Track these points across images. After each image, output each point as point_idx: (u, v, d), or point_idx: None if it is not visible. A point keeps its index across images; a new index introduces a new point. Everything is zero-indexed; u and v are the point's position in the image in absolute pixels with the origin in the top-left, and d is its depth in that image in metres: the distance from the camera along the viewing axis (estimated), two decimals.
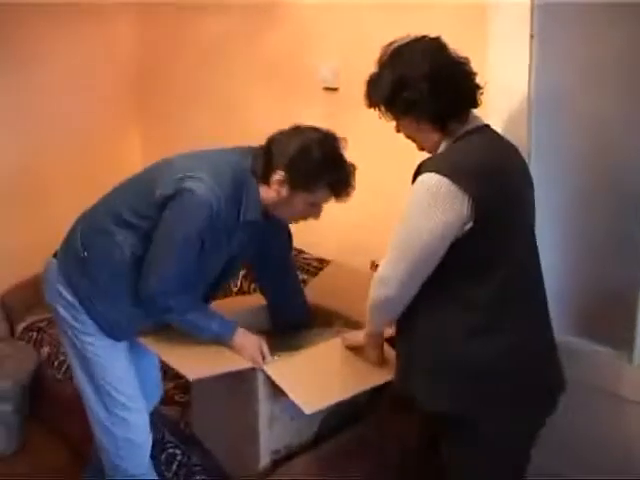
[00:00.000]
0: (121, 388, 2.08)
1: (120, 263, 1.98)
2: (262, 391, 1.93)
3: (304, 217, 2.01)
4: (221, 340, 1.98)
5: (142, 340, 2.07)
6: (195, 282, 1.99)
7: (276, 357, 1.99)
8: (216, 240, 1.94)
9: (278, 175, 1.89)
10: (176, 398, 2.51)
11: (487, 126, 1.74)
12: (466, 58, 1.70)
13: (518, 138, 2.06)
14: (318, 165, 1.87)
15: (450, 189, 1.56)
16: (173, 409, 2.46)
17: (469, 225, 1.58)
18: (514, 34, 2.07)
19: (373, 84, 1.72)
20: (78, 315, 2.05)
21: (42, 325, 3.12)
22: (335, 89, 2.65)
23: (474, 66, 1.77)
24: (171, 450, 2.27)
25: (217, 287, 2.17)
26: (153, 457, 2.18)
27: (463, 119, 1.69)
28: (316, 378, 1.92)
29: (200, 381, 2.03)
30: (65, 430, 2.89)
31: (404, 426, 2.08)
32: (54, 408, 2.93)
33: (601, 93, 2.03)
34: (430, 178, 1.58)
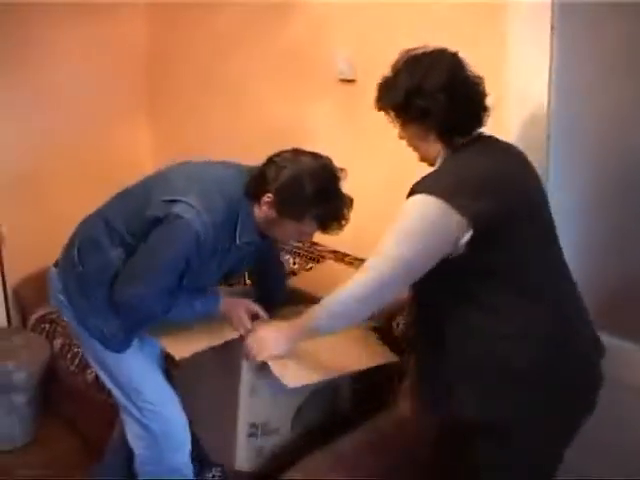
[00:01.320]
0: (144, 382, 2.09)
1: (114, 280, 1.96)
2: (246, 363, 1.95)
3: (294, 240, 2.00)
4: (210, 314, 1.98)
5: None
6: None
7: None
8: (207, 262, 1.93)
9: (267, 198, 1.88)
10: None
11: (482, 134, 1.74)
12: (481, 78, 1.70)
13: (537, 135, 2.07)
14: (307, 197, 1.84)
15: (440, 209, 1.56)
16: None
17: (465, 239, 1.57)
18: (534, 29, 2.04)
19: (387, 88, 1.71)
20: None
21: (54, 317, 3.11)
22: (351, 81, 2.62)
23: (493, 64, 1.83)
24: None
25: None
26: None
27: (469, 134, 1.70)
28: (302, 356, 1.91)
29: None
30: (79, 422, 2.89)
31: (422, 424, 2.06)
32: (68, 400, 2.94)
33: (622, 88, 2.00)
34: (421, 199, 1.60)
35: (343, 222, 1.90)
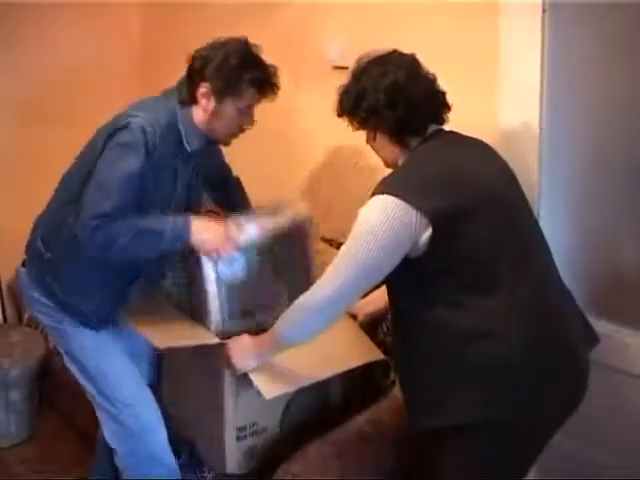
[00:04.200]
0: (116, 375, 2.09)
1: (83, 254, 1.95)
2: (228, 370, 1.94)
3: (239, 128, 2.04)
4: (181, 235, 1.91)
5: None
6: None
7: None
8: (162, 175, 1.95)
9: (203, 88, 1.97)
10: None
11: (442, 130, 1.77)
12: (433, 75, 1.76)
13: (530, 118, 2.04)
14: (238, 66, 1.96)
15: (399, 207, 1.58)
16: None
17: (425, 238, 1.58)
18: (526, 11, 2.02)
19: (342, 95, 1.80)
20: (56, 315, 2.07)
21: None
22: (345, 68, 2.59)
23: (485, 47, 1.90)
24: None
25: None
26: None
27: (422, 134, 1.73)
28: (285, 358, 1.89)
29: (170, 352, 2.08)
30: (75, 417, 2.88)
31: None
32: (64, 395, 2.92)
33: (616, 71, 1.98)
34: (379, 200, 1.62)
35: (276, 86, 2.04)
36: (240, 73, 1.96)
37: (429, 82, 1.75)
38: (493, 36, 2.07)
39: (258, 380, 1.87)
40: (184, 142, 1.99)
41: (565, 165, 2.06)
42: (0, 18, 3.13)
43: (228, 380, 1.96)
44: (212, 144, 2.10)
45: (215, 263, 1.99)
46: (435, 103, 1.75)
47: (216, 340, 1.94)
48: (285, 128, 2.80)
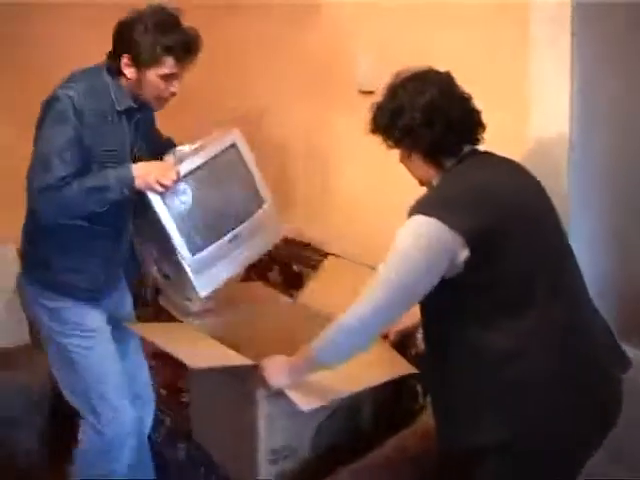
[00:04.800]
0: (107, 384, 2.15)
1: (58, 235, 2.07)
2: (261, 389, 1.93)
3: (166, 94, 2.09)
4: (126, 181, 2.01)
5: (136, 329, 2.20)
6: None
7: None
8: (99, 133, 2.02)
9: (124, 59, 2.04)
10: None
11: (476, 150, 1.76)
12: (469, 94, 1.75)
13: (560, 133, 2.04)
14: (152, 33, 2.01)
15: (435, 228, 1.59)
16: None
17: (462, 258, 1.58)
18: (554, 37, 2.02)
19: (377, 111, 1.78)
20: (56, 316, 2.14)
21: None
22: (371, 92, 2.60)
23: (515, 61, 1.90)
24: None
25: None
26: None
27: (457, 154, 1.72)
28: (315, 377, 1.88)
29: (199, 374, 2.10)
30: None
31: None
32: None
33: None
34: (415, 221, 1.63)
35: (194, 52, 2.07)
36: (155, 40, 2.01)
37: (465, 101, 1.75)
38: (524, 50, 2.08)
39: (294, 394, 1.86)
40: (115, 103, 2.06)
41: (597, 180, 2.04)
42: (4, 18, 3.15)
43: (262, 402, 1.96)
44: (147, 106, 2.15)
45: (163, 197, 2.08)
46: (471, 122, 1.75)
47: (249, 361, 1.94)
48: (309, 153, 2.81)
